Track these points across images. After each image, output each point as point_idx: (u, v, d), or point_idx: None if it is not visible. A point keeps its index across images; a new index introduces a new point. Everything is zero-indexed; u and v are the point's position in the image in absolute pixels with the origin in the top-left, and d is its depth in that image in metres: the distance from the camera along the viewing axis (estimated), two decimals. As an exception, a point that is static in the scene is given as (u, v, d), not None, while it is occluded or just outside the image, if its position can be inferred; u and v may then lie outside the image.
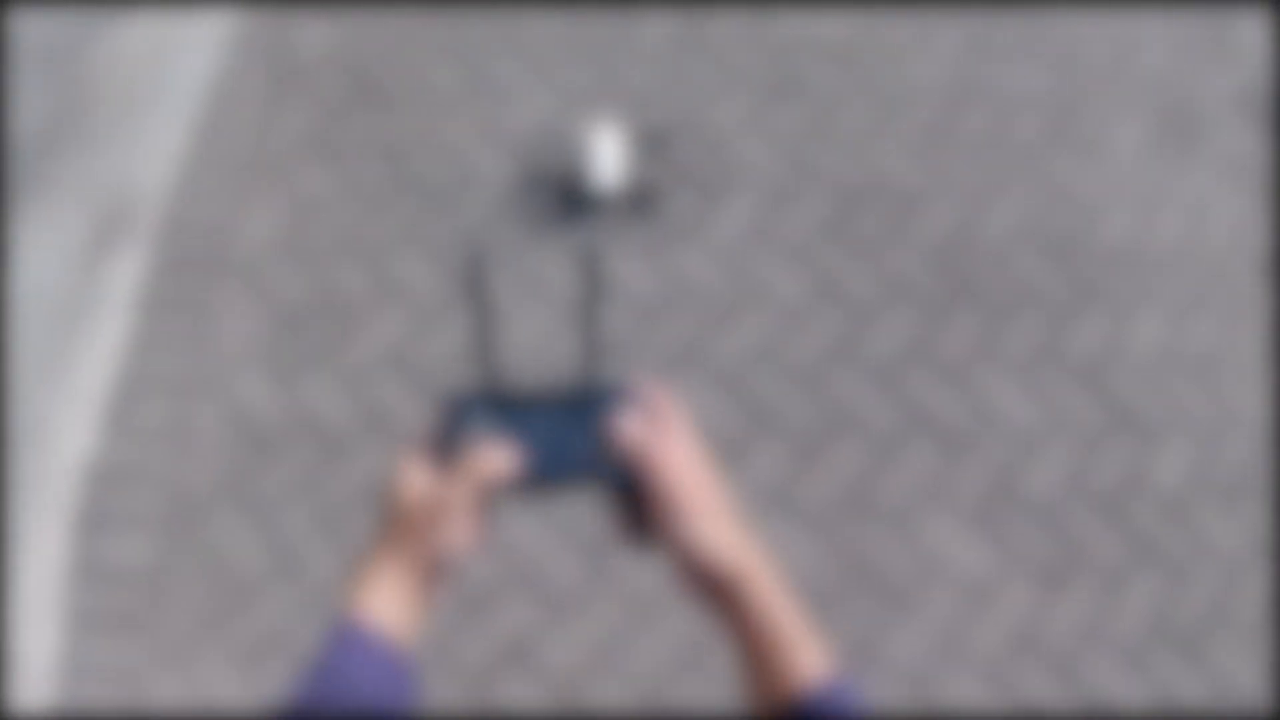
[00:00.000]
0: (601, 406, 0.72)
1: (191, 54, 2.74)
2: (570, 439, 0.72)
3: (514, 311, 2.33)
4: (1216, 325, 2.45)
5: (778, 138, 2.60)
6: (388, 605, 0.70)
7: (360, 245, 2.47)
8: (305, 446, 2.26)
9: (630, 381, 0.74)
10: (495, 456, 0.70)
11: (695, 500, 0.70)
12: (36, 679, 2.09)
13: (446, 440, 0.72)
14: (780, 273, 2.43)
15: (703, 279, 2.42)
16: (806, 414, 2.27)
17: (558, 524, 2.15)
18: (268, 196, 2.53)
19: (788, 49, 2.70)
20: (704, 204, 2.52)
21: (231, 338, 2.37)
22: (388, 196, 2.53)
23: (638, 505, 0.72)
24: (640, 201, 2.50)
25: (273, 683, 2.04)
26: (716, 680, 2.00)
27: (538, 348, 2.23)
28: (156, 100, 2.70)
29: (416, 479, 0.72)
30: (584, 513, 2.05)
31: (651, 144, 2.54)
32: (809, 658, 0.69)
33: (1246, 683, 2.07)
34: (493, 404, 0.72)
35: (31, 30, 2.78)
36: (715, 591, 0.70)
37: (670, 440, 0.72)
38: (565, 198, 2.50)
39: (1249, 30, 2.92)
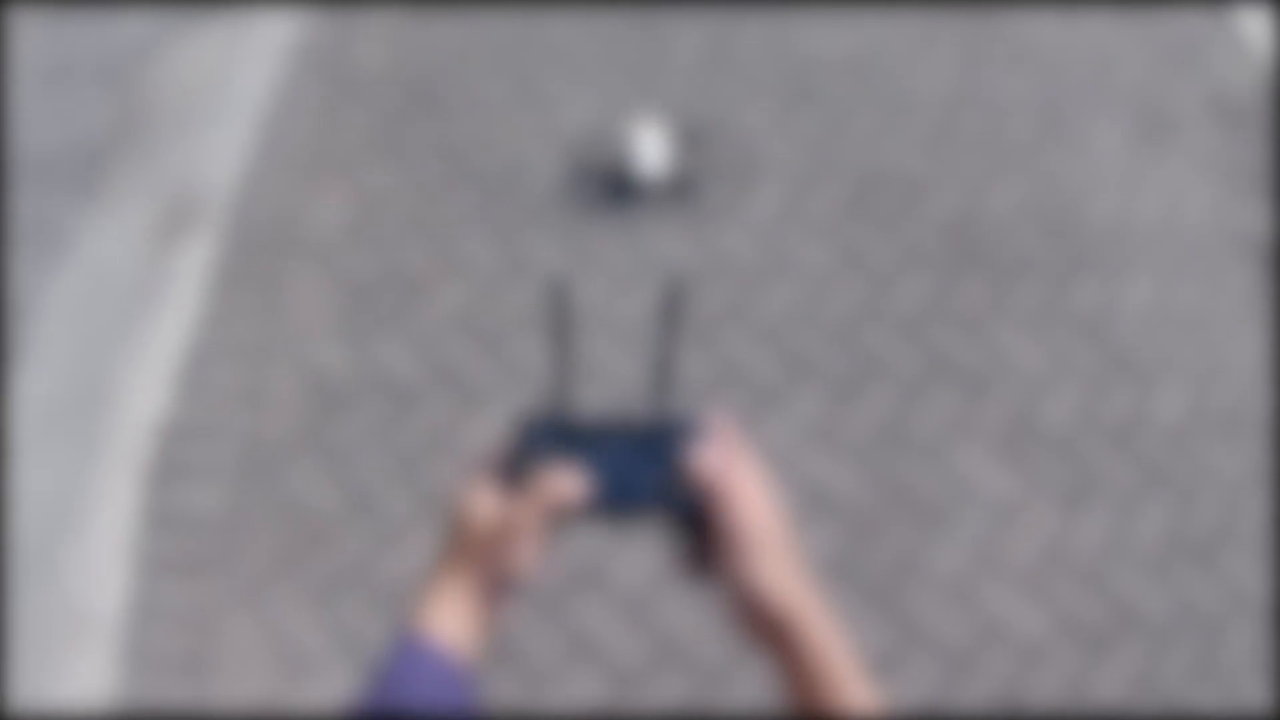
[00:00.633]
0: (674, 438, 0.73)
1: (252, 66, 3.04)
2: (640, 468, 0.72)
3: (572, 283, 2.56)
4: (1200, 289, 2.72)
5: (799, 136, 2.92)
6: (452, 620, 0.71)
7: (424, 228, 2.71)
8: (377, 400, 2.44)
9: (705, 416, 0.74)
10: (564, 481, 0.71)
11: (763, 538, 0.71)
12: (106, 624, 2.16)
13: (516, 463, 0.73)
14: (808, 246, 2.70)
15: (739, 252, 2.68)
16: (840, 363, 2.50)
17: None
18: (333, 189, 2.78)
19: (805, 61, 3.06)
20: (737, 191, 2.80)
21: (303, 308, 2.58)
22: (447, 188, 2.79)
23: (703, 536, 0.73)
24: (681, 190, 2.78)
25: (348, 618, 2.15)
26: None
27: (596, 319, 2.46)
28: (219, 108, 2.97)
29: (485, 499, 0.72)
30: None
31: (689, 140, 2.84)
32: (858, 696, 0.70)
33: (1256, 587, 2.24)
34: (564, 430, 0.73)
35: (89, 46, 3.07)
36: (770, 629, 0.71)
37: (744, 475, 0.73)
38: (613, 188, 2.77)
39: (1218, 42, 3.32)
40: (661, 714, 2.04)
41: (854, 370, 2.49)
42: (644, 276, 2.64)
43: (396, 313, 2.56)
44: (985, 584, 2.22)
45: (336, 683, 2.05)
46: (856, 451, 2.37)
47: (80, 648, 2.13)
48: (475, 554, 0.72)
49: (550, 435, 0.73)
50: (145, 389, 2.45)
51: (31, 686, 2.07)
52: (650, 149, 2.75)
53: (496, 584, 0.72)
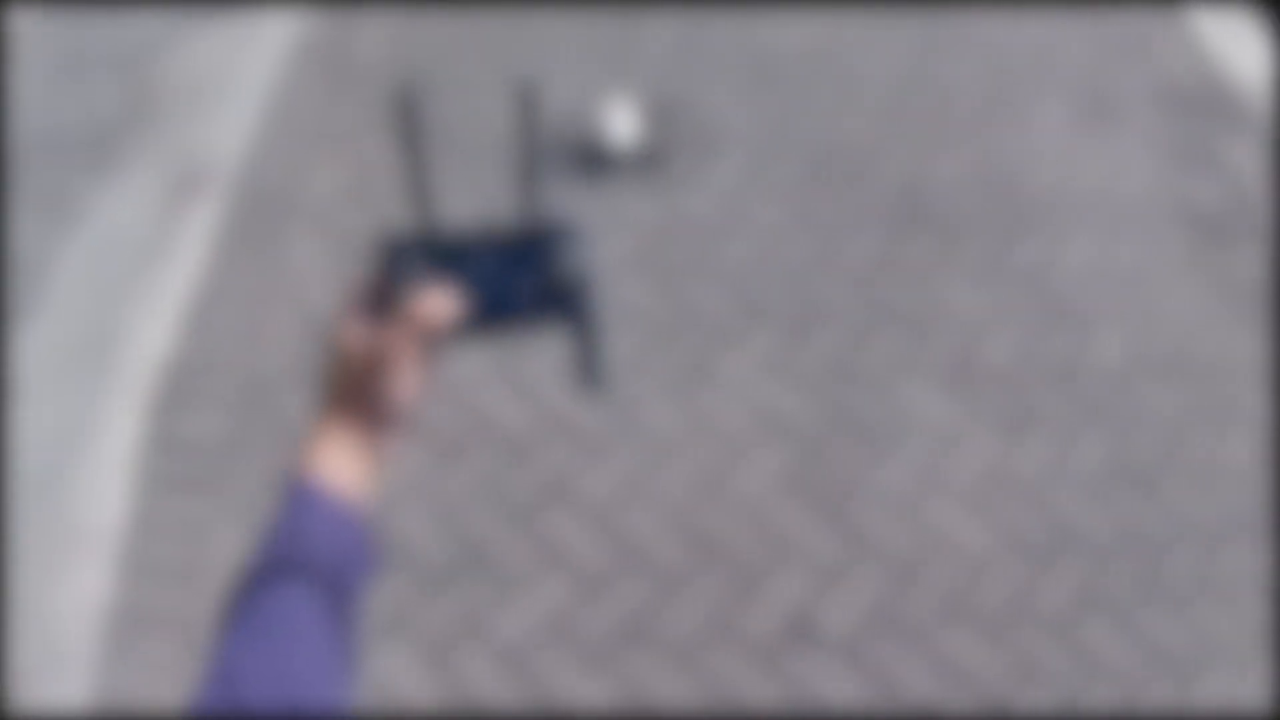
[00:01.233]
0: (546, 243, 0.70)
1: (258, 58, 3.31)
2: (514, 278, 0.69)
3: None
4: (1138, 249, 2.90)
5: (759, 114, 3.15)
6: (339, 461, 0.69)
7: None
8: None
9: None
10: (435, 300, 0.68)
11: None
12: (106, 537, 2.31)
13: (385, 289, 0.69)
14: (765, 207, 2.90)
15: (701, 212, 2.88)
16: (793, 307, 2.67)
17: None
18: (331, 161, 3.01)
19: (766, 50, 3.32)
20: (701, 162, 3.02)
21: (300, 260, 2.78)
22: (440, 158, 3.01)
23: (590, 337, 0.71)
24: (649, 161, 3.00)
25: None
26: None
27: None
28: (226, 93, 3.23)
29: (355, 332, 0.69)
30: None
31: (658, 117, 3.07)
32: None
33: (1199, 513, 2.36)
34: (430, 248, 0.69)
35: (99, 39, 3.34)
36: None
37: None
38: (588, 159, 2.99)
39: (1167, 37, 3.58)
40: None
41: (805, 313, 2.66)
42: (614, 231, 2.84)
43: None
44: (929, 501, 2.35)
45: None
46: (807, 383, 2.53)
47: (80, 559, 2.28)
48: (353, 389, 0.69)
49: (416, 255, 0.69)
50: (152, 331, 2.63)
51: (33, 593, 2.21)
52: (622, 125, 2.98)
53: (380, 417, 0.70)
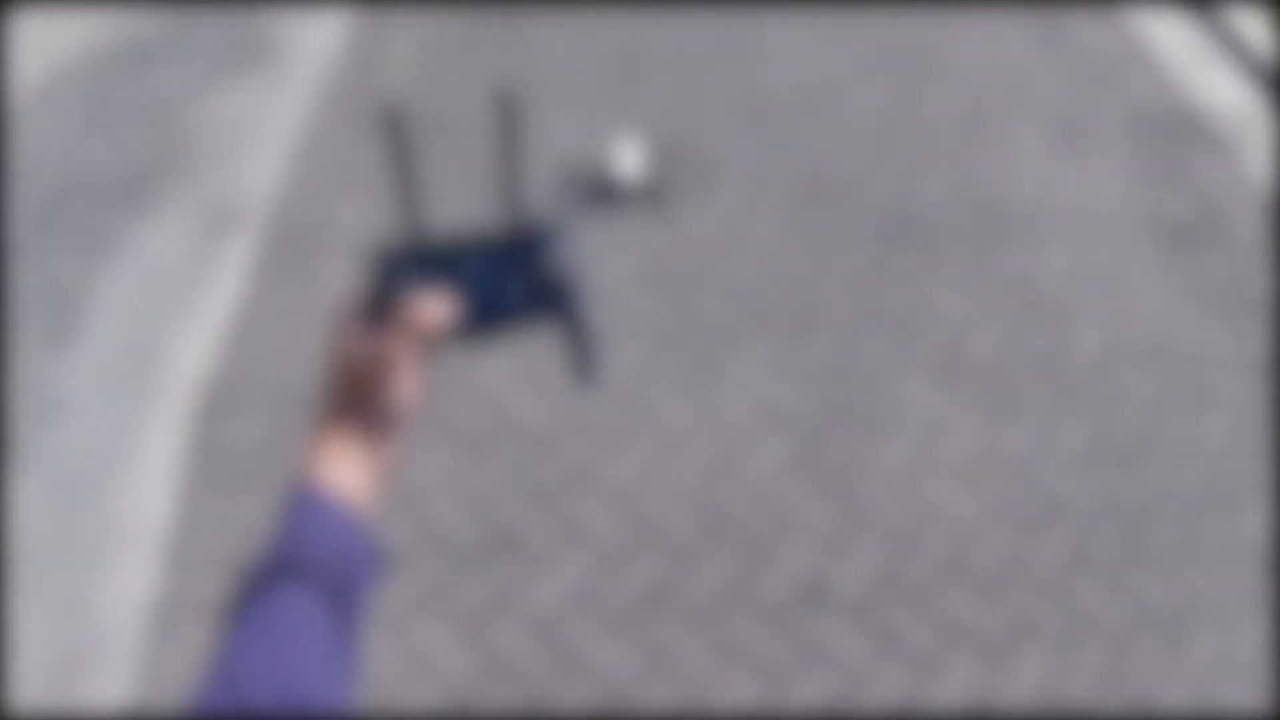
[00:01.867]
0: (532, 243, 0.73)
1: (285, 105, 3.60)
2: (504, 279, 0.72)
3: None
4: (1114, 256, 3.12)
5: (754, 149, 3.42)
6: (342, 468, 0.71)
7: (444, 226, 3.17)
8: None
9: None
10: (430, 305, 0.70)
11: None
12: (149, 534, 2.47)
13: (380, 299, 0.71)
14: (761, 228, 3.14)
15: (703, 235, 3.12)
16: (791, 313, 2.88)
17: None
18: (359, 200, 3.27)
19: (759, 92, 3.61)
20: (702, 193, 3.28)
21: (330, 284, 3.00)
22: (455, 195, 3.27)
23: (580, 332, 0.72)
24: (654, 194, 3.25)
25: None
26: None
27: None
28: (254, 137, 3.51)
29: (353, 340, 0.71)
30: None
31: (662, 155, 3.34)
32: None
33: (1180, 486, 2.52)
34: (422, 255, 0.72)
35: (133, 91, 3.64)
36: None
37: None
38: (599, 192, 3.25)
39: (1132, 64, 3.88)
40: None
41: (803, 318, 2.88)
42: (624, 254, 3.08)
43: (412, 290, 2.99)
44: (925, 479, 2.52)
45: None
46: (808, 380, 2.72)
47: (129, 555, 2.44)
48: (354, 396, 0.71)
49: (408, 262, 0.71)
50: (192, 350, 2.85)
51: (84, 587, 2.37)
52: (629, 162, 3.25)
53: (381, 423, 0.72)
